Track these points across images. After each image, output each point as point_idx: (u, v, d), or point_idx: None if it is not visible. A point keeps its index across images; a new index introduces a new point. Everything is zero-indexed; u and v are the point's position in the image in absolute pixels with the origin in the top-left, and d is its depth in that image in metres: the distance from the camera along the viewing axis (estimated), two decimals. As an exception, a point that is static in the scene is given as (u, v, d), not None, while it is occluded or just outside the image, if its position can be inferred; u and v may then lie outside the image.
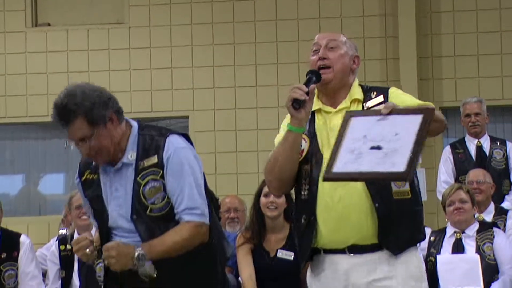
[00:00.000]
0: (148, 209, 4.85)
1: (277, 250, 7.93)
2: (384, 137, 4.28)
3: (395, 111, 4.29)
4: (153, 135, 4.93)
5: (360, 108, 4.67)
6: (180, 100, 14.23)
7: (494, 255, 8.63)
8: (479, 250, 8.49)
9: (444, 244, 8.60)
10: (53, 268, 8.50)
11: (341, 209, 4.47)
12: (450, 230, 8.91)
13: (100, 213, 4.98)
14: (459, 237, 8.68)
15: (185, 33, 14.00)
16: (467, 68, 13.86)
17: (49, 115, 12.10)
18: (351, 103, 4.68)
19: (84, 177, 5.05)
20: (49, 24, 14.33)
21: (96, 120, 4.68)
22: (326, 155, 4.41)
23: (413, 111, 4.37)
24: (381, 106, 4.46)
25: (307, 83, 4.48)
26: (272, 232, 8.02)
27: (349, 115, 4.42)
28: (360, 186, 4.50)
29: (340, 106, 4.64)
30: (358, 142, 4.31)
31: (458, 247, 8.61)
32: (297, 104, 4.35)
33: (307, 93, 4.41)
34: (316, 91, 4.59)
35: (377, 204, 4.47)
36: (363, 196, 4.51)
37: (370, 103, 4.69)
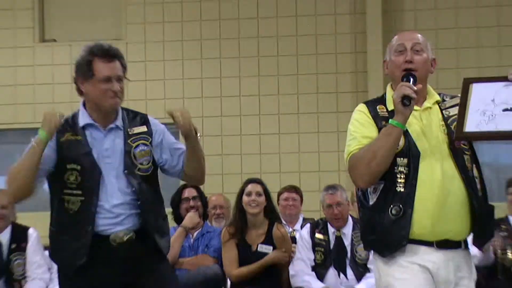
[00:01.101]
0: (137, 168, 5.29)
1: (257, 245, 8.17)
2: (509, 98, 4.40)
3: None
4: (136, 112, 5.57)
5: (437, 108, 4.69)
6: (172, 105, 14.65)
7: None
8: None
9: None
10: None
11: (439, 200, 4.46)
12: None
13: (90, 168, 5.16)
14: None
15: (176, 48, 14.41)
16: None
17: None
18: (432, 104, 4.73)
19: (65, 138, 5.20)
20: (54, 40, 14.79)
21: (125, 69, 5.29)
22: (421, 149, 4.52)
23: None
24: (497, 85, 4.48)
25: (413, 83, 4.48)
26: (253, 227, 8.27)
27: (468, 82, 4.52)
28: (459, 183, 4.48)
29: (425, 105, 4.67)
30: (488, 105, 4.41)
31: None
32: (407, 101, 4.36)
33: (415, 92, 4.40)
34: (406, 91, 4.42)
35: (475, 205, 4.52)
36: (464, 194, 4.53)
37: (448, 104, 4.73)
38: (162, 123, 12.97)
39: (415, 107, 4.49)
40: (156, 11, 14.58)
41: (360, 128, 4.66)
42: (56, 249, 5.38)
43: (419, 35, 4.79)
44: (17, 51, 14.66)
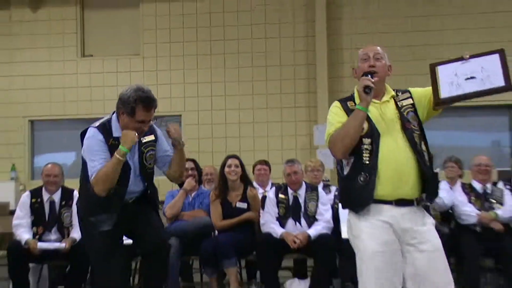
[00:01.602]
0: (146, 168, 5.64)
1: (236, 202, 8.09)
2: (473, 71, 4.36)
3: (473, 55, 4.43)
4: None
5: (393, 101, 4.64)
6: (176, 104, 14.33)
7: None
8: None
9: None
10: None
11: (398, 171, 4.45)
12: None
13: (126, 165, 5.39)
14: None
15: (179, 61, 14.23)
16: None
17: (92, 113, 12.58)
18: (389, 98, 4.67)
19: (110, 143, 5.34)
20: (91, 55, 14.58)
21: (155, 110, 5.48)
22: (381, 131, 4.48)
23: (489, 53, 4.42)
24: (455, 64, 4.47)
25: (371, 77, 4.50)
26: (233, 190, 8.17)
27: (433, 65, 4.54)
28: (411, 156, 4.45)
29: (384, 99, 4.63)
30: (453, 78, 4.41)
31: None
32: (368, 90, 4.37)
33: (373, 84, 4.41)
34: (365, 89, 4.49)
35: (425, 172, 4.48)
36: (413, 160, 4.50)
37: (400, 97, 4.67)
38: (167, 115, 12.68)
39: (376, 100, 4.55)
40: (165, 35, 14.36)
41: (335, 118, 4.66)
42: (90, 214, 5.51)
43: (379, 47, 4.75)
44: (65, 63, 14.51)
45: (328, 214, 7.96)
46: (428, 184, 4.47)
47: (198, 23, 14.35)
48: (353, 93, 4.73)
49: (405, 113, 4.57)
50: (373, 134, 4.50)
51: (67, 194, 8.28)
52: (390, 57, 4.79)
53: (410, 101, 4.66)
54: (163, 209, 8.38)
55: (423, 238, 4.43)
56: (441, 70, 4.50)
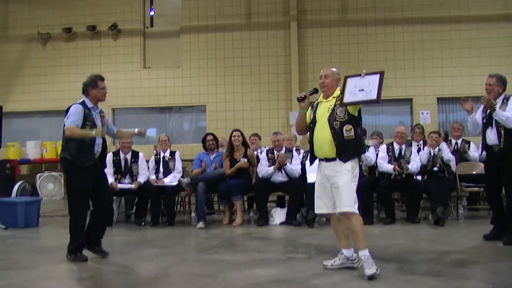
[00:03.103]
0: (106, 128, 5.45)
1: (239, 158, 7.99)
2: (363, 86, 4.34)
3: (367, 73, 4.41)
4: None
5: (333, 101, 4.56)
6: (203, 98, 14.02)
7: None
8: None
9: None
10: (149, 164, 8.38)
11: (321, 142, 4.52)
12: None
13: (94, 126, 5.19)
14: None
15: (204, 71, 14.02)
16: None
17: (150, 104, 12.41)
18: (333, 98, 4.58)
19: (84, 111, 5.20)
20: (149, 67, 14.40)
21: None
22: (318, 119, 4.57)
23: (374, 73, 4.40)
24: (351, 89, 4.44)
25: (311, 92, 4.73)
26: (237, 151, 8.05)
27: (346, 77, 4.49)
28: (328, 133, 4.49)
29: (328, 99, 4.61)
30: (353, 89, 4.40)
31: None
32: (301, 99, 4.66)
33: (305, 96, 4.66)
34: (322, 94, 4.66)
35: (335, 142, 4.46)
36: (329, 137, 4.49)
37: (339, 97, 4.53)
38: (197, 105, 12.23)
39: (324, 100, 4.63)
40: (195, 54, 14.20)
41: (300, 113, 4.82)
42: (78, 157, 5.15)
43: (328, 70, 4.68)
44: (134, 72, 14.39)
45: (298, 167, 7.87)
46: (338, 149, 4.46)
47: (217, 46, 14.16)
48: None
49: (335, 108, 4.52)
50: (314, 121, 4.62)
51: (134, 154, 8.25)
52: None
53: None
54: (192, 168, 8.42)
55: (335, 179, 4.47)
56: (349, 82, 4.46)
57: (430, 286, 3.99)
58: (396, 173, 7.60)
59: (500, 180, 5.86)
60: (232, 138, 8.13)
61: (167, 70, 14.39)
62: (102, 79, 5.36)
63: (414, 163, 7.63)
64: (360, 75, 4.44)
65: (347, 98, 4.42)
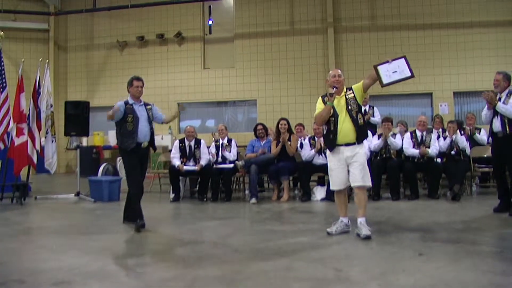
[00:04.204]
0: (151, 119, 5.56)
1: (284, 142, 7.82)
2: (394, 68, 4.47)
3: (393, 58, 4.54)
4: (146, 102, 5.61)
5: (345, 96, 4.70)
6: (254, 94, 14.06)
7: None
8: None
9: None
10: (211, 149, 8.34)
11: (347, 131, 4.66)
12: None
13: (136, 118, 5.37)
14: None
15: (254, 71, 14.04)
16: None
17: (209, 98, 12.61)
18: (343, 94, 4.71)
19: (126, 106, 5.40)
20: (209, 68, 14.48)
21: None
22: (338, 112, 4.67)
23: (398, 58, 4.53)
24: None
25: (334, 88, 4.71)
26: (283, 135, 7.90)
27: (375, 66, 4.57)
28: (350, 123, 4.65)
29: (341, 95, 4.72)
30: (387, 72, 4.49)
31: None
32: (330, 95, 4.67)
33: (334, 92, 4.69)
34: (335, 90, 4.64)
35: (356, 128, 4.65)
36: (351, 126, 4.66)
37: (348, 93, 4.72)
38: (249, 100, 12.18)
39: (338, 96, 4.74)
40: (247, 57, 14.20)
41: (318, 105, 4.86)
42: (121, 141, 5.38)
43: (338, 70, 4.86)
44: (195, 72, 14.51)
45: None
46: (357, 135, 4.67)
47: (265, 49, 14.16)
48: (327, 92, 4.82)
49: (349, 101, 4.71)
50: (334, 114, 4.73)
51: (197, 141, 8.29)
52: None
53: (352, 94, 4.77)
54: (246, 152, 8.43)
55: (356, 157, 4.66)
56: (380, 69, 4.54)
57: (448, 251, 4.04)
58: (419, 155, 7.63)
59: (504, 161, 6.00)
60: (280, 126, 8.06)
61: (223, 70, 14.44)
62: (138, 79, 5.50)
63: (434, 148, 7.68)
64: (387, 61, 4.54)
65: (385, 80, 4.54)
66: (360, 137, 4.73)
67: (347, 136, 4.69)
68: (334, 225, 4.88)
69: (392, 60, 4.53)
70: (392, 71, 4.47)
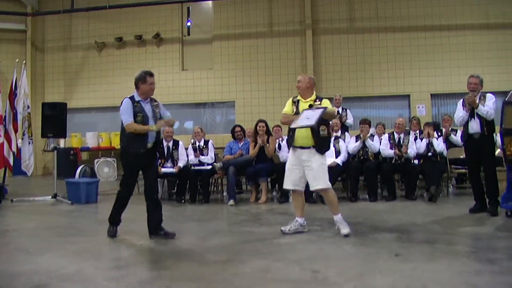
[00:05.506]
0: (157, 117, 4.91)
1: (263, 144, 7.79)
2: (310, 116, 4.57)
3: (316, 107, 4.72)
4: (153, 98, 5.03)
5: (312, 103, 4.82)
6: (232, 95, 13.92)
7: None
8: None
9: None
10: (188, 150, 8.28)
11: (302, 134, 4.79)
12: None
13: (145, 117, 4.81)
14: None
15: (232, 72, 13.92)
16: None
17: (187, 100, 12.41)
18: (311, 100, 4.84)
19: (134, 104, 4.82)
20: (187, 69, 14.30)
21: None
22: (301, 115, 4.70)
23: (320, 108, 4.66)
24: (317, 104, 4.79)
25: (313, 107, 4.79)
26: (261, 137, 7.86)
27: (303, 110, 4.75)
28: (307, 130, 4.74)
29: (306, 100, 4.87)
30: (304, 118, 4.60)
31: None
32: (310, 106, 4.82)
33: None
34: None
35: (314, 138, 4.74)
36: (309, 133, 4.75)
37: (317, 103, 4.81)
38: (227, 101, 12.14)
39: (303, 100, 4.91)
40: (225, 58, 14.10)
41: (286, 106, 5.02)
42: (129, 145, 4.87)
43: (302, 76, 4.97)
44: (174, 74, 14.32)
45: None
46: (316, 144, 4.77)
47: (244, 51, 14.08)
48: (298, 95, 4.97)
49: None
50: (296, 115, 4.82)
51: (175, 142, 8.24)
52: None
53: (319, 105, 4.82)
54: (223, 154, 8.35)
55: (310, 163, 4.74)
56: (304, 113, 4.71)
57: (425, 251, 4.05)
58: (397, 157, 7.71)
59: (479, 163, 6.13)
60: (258, 128, 8.03)
61: (201, 72, 14.29)
62: (151, 75, 4.95)
63: (411, 150, 7.74)
64: (311, 108, 4.75)
65: (293, 125, 4.71)
66: (320, 147, 4.79)
67: (302, 139, 4.79)
68: (289, 224, 4.99)
69: (316, 108, 4.70)
70: (307, 117, 4.62)
